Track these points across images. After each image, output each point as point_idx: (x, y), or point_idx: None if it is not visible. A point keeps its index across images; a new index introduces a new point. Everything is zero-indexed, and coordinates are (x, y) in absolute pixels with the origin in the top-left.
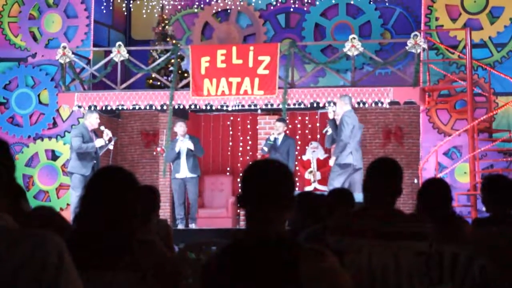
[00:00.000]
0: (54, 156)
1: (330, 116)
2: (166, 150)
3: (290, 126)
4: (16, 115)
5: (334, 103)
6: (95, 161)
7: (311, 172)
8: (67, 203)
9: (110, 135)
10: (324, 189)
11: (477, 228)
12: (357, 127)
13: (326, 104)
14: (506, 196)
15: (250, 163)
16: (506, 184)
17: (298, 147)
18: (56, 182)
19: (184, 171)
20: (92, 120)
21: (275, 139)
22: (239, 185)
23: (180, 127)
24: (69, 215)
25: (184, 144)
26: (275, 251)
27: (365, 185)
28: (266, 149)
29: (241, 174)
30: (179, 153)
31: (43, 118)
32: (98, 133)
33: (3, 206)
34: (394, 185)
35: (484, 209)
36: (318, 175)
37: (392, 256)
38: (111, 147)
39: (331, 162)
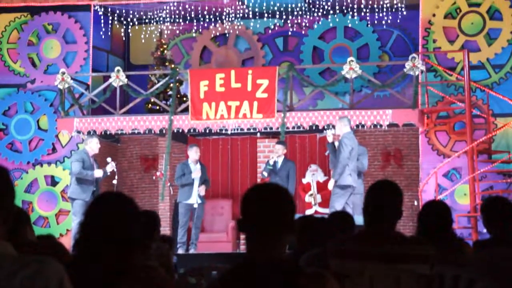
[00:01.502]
0: (53, 182)
1: (329, 139)
2: (164, 174)
3: (289, 149)
4: (16, 141)
5: (333, 126)
6: (95, 188)
7: (311, 195)
8: (67, 229)
9: (115, 168)
10: (325, 211)
11: (478, 250)
12: (356, 148)
13: (325, 128)
14: (506, 217)
15: (250, 187)
16: (506, 206)
17: (297, 170)
18: (56, 208)
19: (194, 197)
20: (93, 145)
21: (275, 162)
22: (239, 209)
23: (195, 153)
24: (69, 241)
25: (199, 173)
26: (276, 275)
27: (365, 208)
28: (266, 173)
29: (241, 198)
30: (192, 180)
31: (42, 143)
32: (97, 159)
33: (2, 233)
34: (394, 208)
35: (485, 231)
36: (319, 198)
37: (393, 279)
38: (114, 182)
39: (330, 185)
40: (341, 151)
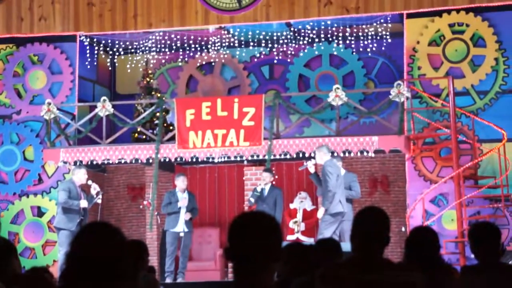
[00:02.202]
0: (40, 212)
1: (311, 170)
2: (152, 203)
3: (276, 176)
4: (1, 172)
5: (313, 157)
6: (82, 217)
7: (295, 222)
8: (54, 260)
9: (98, 189)
10: (307, 240)
11: (466, 276)
12: (340, 175)
13: (306, 160)
14: (493, 243)
15: (237, 215)
16: (493, 231)
17: (284, 197)
18: (42, 239)
19: (181, 225)
20: (80, 176)
21: (262, 189)
22: (227, 237)
23: (182, 182)
24: (56, 271)
25: (185, 202)
26: None
27: (353, 235)
28: (253, 200)
29: (228, 226)
30: (179, 209)
31: (28, 174)
32: (85, 189)
33: None
34: (382, 234)
35: (472, 256)
36: (303, 226)
37: None
38: (99, 201)
39: (320, 213)
40: (328, 180)
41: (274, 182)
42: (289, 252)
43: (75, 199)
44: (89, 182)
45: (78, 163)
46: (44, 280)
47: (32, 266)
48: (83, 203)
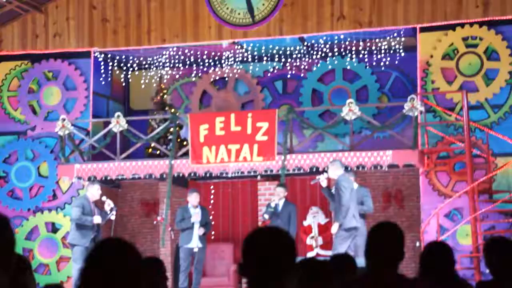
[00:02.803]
0: (54, 228)
1: (323, 184)
2: (165, 218)
3: (290, 191)
4: (16, 188)
5: (326, 171)
6: (96, 233)
7: (312, 237)
8: (68, 276)
9: (112, 205)
10: (327, 254)
11: None
12: (354, 189)
13: (320, 171)
14: (509, 258)
15: (251, 231)
16: (508, 246)
17: (298, 213)
18: (57, 255)
19: (195, 241)
20: (94, 192)
21: (276, 205)
22: (241, 253)
23: (194, 198)
24: None
25: (198, 217)
26: None
27: (367, 250)
28: (267, 216)
29: (242, 242)
30: (192, 224)
31: (42, 190)
32: (99, 205)
33: (3, 282)
34: (396, 250)
35: (487, 271)
36: (320, 240)
37: None
38: (112, 217)
39: (334, 229)
40: (341, 195)
41: (287, 197)
42: (303, 268)
43: (89, 215)
44: (103, 198)
45: (92, 179)
46: None
47: (45, 283)
48: (97, 219)
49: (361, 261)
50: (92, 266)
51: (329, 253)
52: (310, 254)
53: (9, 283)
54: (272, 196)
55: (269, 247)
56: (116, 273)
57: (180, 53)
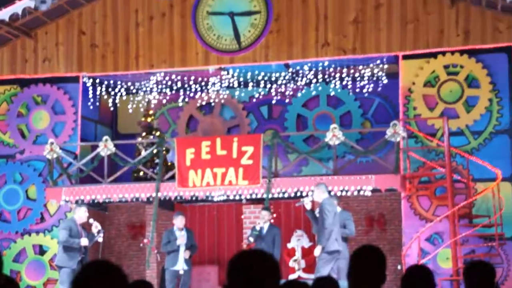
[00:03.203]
0: (41, 251)
1: (308, 207)
2: (152, 241)
3: (274, 215)
4: (4, 211)
5: (311, 194)
6: (83, 255)
7: (295, 260)
8: None
9: (99, 227)
10: (309, 277)
11: None
12: (337, 213)
13: (303, 195)
14: (488, 282)
15: (236, 254)
16: (488, 270)
17: (282, 235)
18: (44, 277)
19: (181, 263)
20: (81, 214)
21: (261, 228)
22: (226, 275)
23: (180, 221)
24: None
25: (183, 239)
26: None
27: (350, 273)
28: (252, 239)
29: (227, 264)
30: (178, 247)
31: (30, 213)
32: (86, 227)
33: None
34: (378, 273)
35: None
36: (303, 263)
37: None
38: (100, 239)
39: (317, 251)
40: (325, 218)
41: (272, 221)
42: None
43: (76, 238)
44: (91, 220)
45: (79, 202)
46: None
47: None
48: (84, 242)
49: (343, 284)
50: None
51: (312, 276)
52: (291, 277)
53: None
54: (257, 220)
55: (253, 269)
56: None
57: (167, 78)
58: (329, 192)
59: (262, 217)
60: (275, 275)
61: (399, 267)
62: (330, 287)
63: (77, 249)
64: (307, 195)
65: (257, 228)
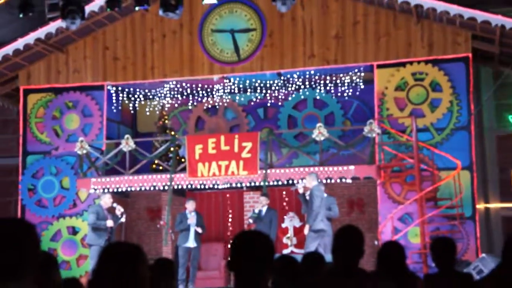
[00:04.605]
0: (74, 231)
1: (300, 191)
2: (168, 223)
3: (270, 200)
4: (42, 199)
5: (303, 180)
6: (109, 234)
7: (288, 237)
8: (86, 271)
9: (122, 210)
10: (300, 251)
11: (428, 282)
12: (324, 198)
13: (295, 182)
14: (450, 254)
15: (237, 234)
16: (450, 245)
17: (278, 217)
18: (76, 253)
19: (191, 241)
20: (106, 200)
21: (260, 211)
22: (229, 251)
23: (191, 205)
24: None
25: (193, 219)
26: None
27: (334, 248)
28: (251, 220)
29: (230, 242)
30: (189, 226)
31: (64, 200)
32: (111, 211)
33: (31, 280)
34: (357, 248)
35: (433, 265)
36: (294, 240)
37: None
38: (123, 220)
39: (306, 230)
40: (313, 201)
41: (270, 204)
42: (280, 263)
43: (103, 220)
44: (114, 205)
45: (105, 190)
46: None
47: (65, 278)
48: (109, 223)
49: (328, 257)
50: (101, 266)
51: (302, 251)
52: (285, 251)
53: (37, 279)
54: (256, 204)
55: (252, 248)
56: (123, 272)
57: (178, 85)
58: (318, 180)
59: (260, 202)
60: (270, 252)
61: (376, 242)
62: (317, 260)
63: (104, 230)
64: (298, 182)
65: (256, 211)
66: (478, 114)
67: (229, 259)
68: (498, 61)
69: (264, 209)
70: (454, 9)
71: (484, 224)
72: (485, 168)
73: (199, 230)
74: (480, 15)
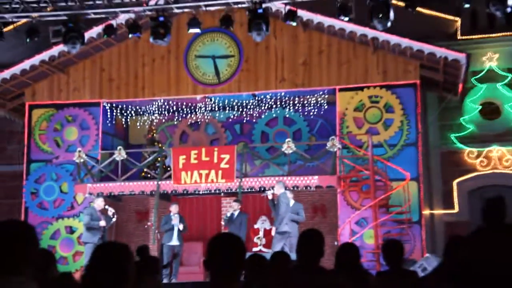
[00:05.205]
0: (71, 231)
1: (270, 197)
2: (154, 224)
3: (244, 204)
4: (44, 201)
5: (273, 188)
6: (103, 233)
7: (259, 238)
8: (81, 266)
9: (113, 210)
10: (267, 251)
11: (380, 278)
12: (289, 204)
13: (267, 189)
14: (399, 255)
15: (212, 237)
16: (398, 246)
17: (250, 219)
18: (73, 250)
19: (175, 240)
20: (99, 203)
21: (232, 214)
22: (206, 251)
23: (175, 208)
24: None
25: (176, 220)
26: None
27: (298, 248)
28: (223, 223)
29: (208, 242)
30: (172, 226)
31: (63, 203)
32: (104, 212)
33: (30, 274)
34: (318, 248)
35: (384, 263)
36: (264, 241)
37: None
38: (114, 219)
39: (273, 231)
40: (280, 207)
41: (242, 209)
42: (251, 261)
43: (96, 220)
44: (107, 207)
45: (99, 195)
46: (74, 282)
47: (62, 272)
48: (102, 223)
49: (293, 256)
50: (93, 262)
51: (269, 250)
52: (254, 249)
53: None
54: (229, 208)
55: (224, 249)
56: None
57: (165, 103)
58: (285, 188)
59: (232, 207)
60: (241, 252)
61: (335, 243)
62: (284, 258)
63: (98, 229)
64: (269, 189)
65: (228, 214)
66: (425, 133)
67: (205, 259)
68: (442, 88)
69: (236, 213)
70: (405, 42)
71: (429, 228)
72: (430, 179)
73: (181, 227)
74: (427, 48)
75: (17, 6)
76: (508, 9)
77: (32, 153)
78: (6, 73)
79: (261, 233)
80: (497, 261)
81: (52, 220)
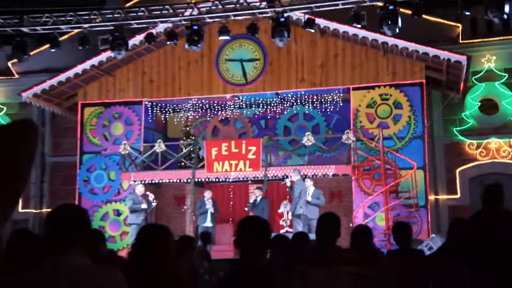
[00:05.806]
0: (118, 213)
1: (288, 185)
2: (190, 208)
3: (269, 190)
4: (94, 188)
5: (288, 177)
6: (146, 214)
7: (284, 220)
8: (127, 244)
9: (153, 196)
10: (292, 231)
11: (390, 256)
12: (303, 190)
13: (288, 177)
14: (407, 235)
15: (241, 219)
16: (407, 227)
17: (273, 204)
18: (120, 230)
19: (208, 222)
20: (140, 189)
21: (255, 200)
22: (236, 231)
23: (208, 194)
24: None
25: (210, 205)
26: (259, 275)
27: (317, 230)
28: (247, 209)
29: (237, 224)
30: (206, 210)
31: (111, 189)
32: (144, 197)
33: (84, 251)
34: (335, 229)
35: (394, 243)
36: (289, 222)
37: (336, 276)
38: (154, 204)
39: (289, 215)
40: (295, 192)
41: (264, 195)
42: (275, 241)
43: (138, 204)
44: (146, 192)
45: (141, 182)
46: (120, 258)
47: (109, 249)
48: (144, 206)
49: (313, 236)
50: (138, 241)
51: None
52: (282, 231)
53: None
54: (251, 195)
55: (253, 230)
56: (153, 245)
57: (199, 102)
58: (305, 176)
59: (254, 194)
60: (267, 232)
61: (350, 225)
62: (303, 238)
63: (140, 212)
64: (287, 178)
65: (251, 201)
66: (430, 127)
67: (235, 238)
68: (445, 86)
69: (259, 199)
70: (412, 46)
71: (434, 211)
72: (435, 168)
73: (213, 210)
74: (432, 51)
75: (71, 18)
76: (505, 16)
77: (84, 145)
78: (62, 76)
79: (285, 216)
80: (493, 240)
81: (102, 204)
